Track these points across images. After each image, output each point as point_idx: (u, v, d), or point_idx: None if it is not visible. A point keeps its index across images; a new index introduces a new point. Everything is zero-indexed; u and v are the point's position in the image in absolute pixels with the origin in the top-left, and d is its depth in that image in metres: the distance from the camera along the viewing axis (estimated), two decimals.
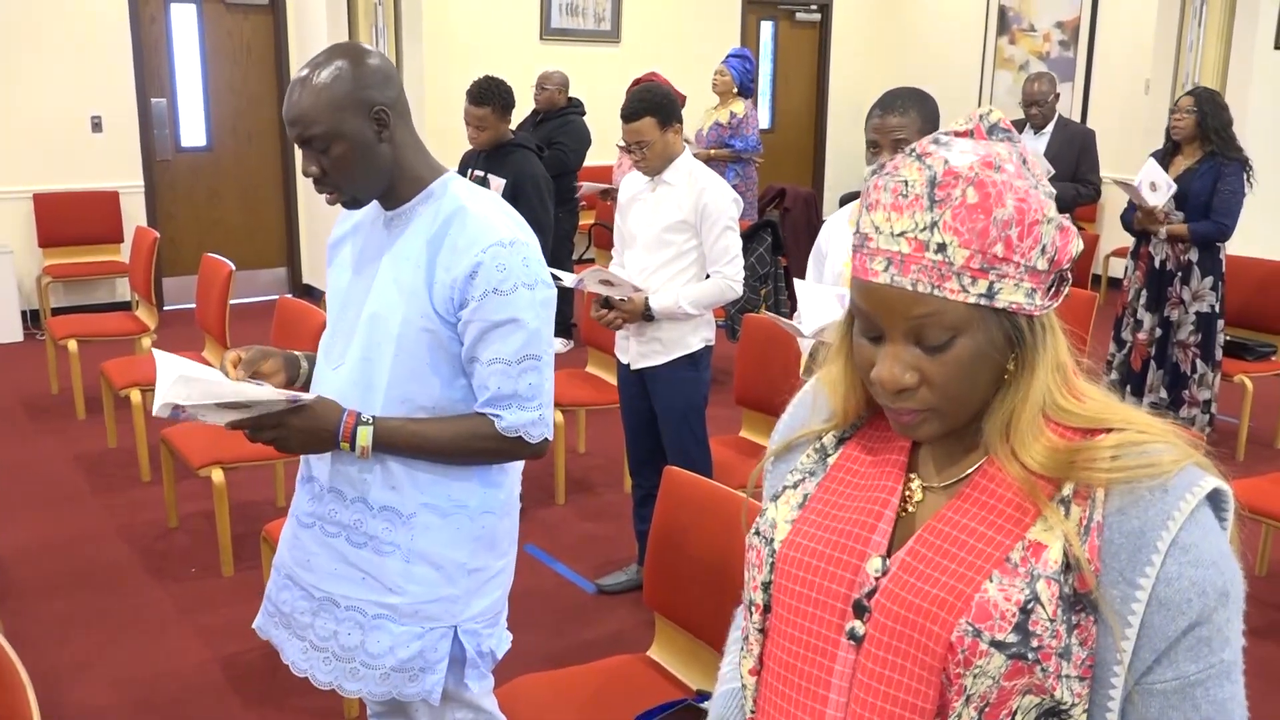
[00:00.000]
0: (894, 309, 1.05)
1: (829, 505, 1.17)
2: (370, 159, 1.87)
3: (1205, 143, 5.15)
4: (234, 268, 4.82)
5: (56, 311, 6.97)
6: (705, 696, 2.39)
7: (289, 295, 8.14)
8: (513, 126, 7.12)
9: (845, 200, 10.15)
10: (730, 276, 3.40)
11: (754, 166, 7.34)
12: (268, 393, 1.81)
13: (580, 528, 4.43)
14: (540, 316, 1.89)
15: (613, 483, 4.85)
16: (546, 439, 1.96)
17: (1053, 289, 1.06)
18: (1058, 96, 5.93)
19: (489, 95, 4.38)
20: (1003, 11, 9.63)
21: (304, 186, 8.06)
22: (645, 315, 3.40)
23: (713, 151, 6.97)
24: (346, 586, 1.97)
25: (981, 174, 1.02)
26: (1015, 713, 1.02)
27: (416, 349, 1.89)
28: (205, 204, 7.85)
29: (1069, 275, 1.08)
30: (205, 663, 3.36)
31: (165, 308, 7.41)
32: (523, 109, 6.95)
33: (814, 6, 10.35)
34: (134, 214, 7.43)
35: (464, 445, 1.91)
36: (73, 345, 5.37)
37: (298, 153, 7.97)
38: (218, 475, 3.81)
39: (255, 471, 4.41)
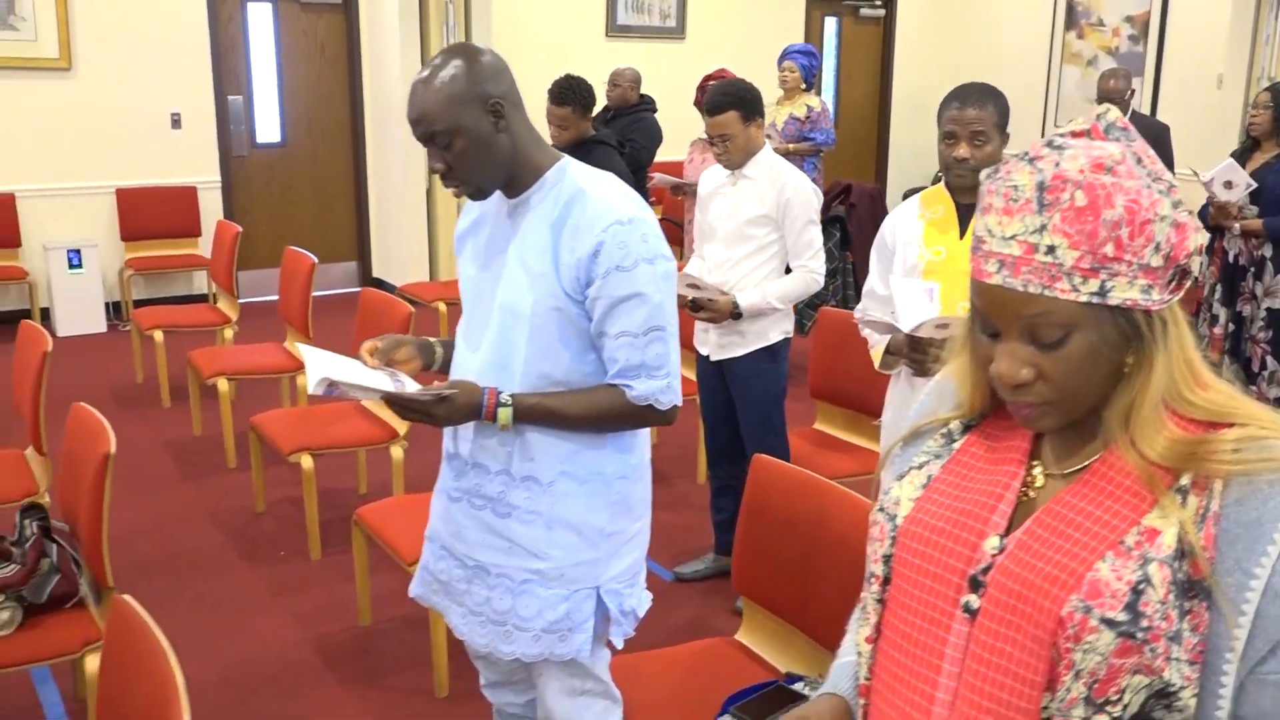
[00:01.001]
0: (1007, 308, 1.10)
1: (952, 486, 1.22)
2: (491, 150, 1.96)
3: None
4: (316, 261, 4.95)
5: (137, 304, 7.17)
6: (795, 679, 2.45)
7: (359, 288, 8.33)
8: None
9: (908, 195, 10.13)
10: (814, 269, 3.45)
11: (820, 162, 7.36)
12: (411, 389, 1.95)
13: (656, 517, 4.44)
14: (662, 289, 1.97)
15: (687, 474, 4.91)
16: (676, 405, 2.06)
17: (1172, 283, 1.09)
18: (1133, 93, 5.91)
19: (570, 95, 4.46)
20: (1070, 6, 9.55)
21: (374, 182, 8.21)
22: (734, 314, 3.45)
23: (792, 146, 7.00)
24: (495, 555, 2.09)
25: (1090, 177, 1.06)
26: (1124, 691, 1.05)
27: (548, 328, 1.98)
28: (279, 199, 8.02)
29: (1190, 268, 1.10)
30: (299, 643, 3.47)
31: (240, 300, 7.56)
32: (597, 103, 7.04)
33: (878, 2, 10.32)
34: (211, 209, 7.61)
35: (598, 415, 2.02)
36: (159, 336, 5.54)
37: (369, 149, 8.16)
38: (307, 461, 3.93)
39: (339, 459, 4.53)
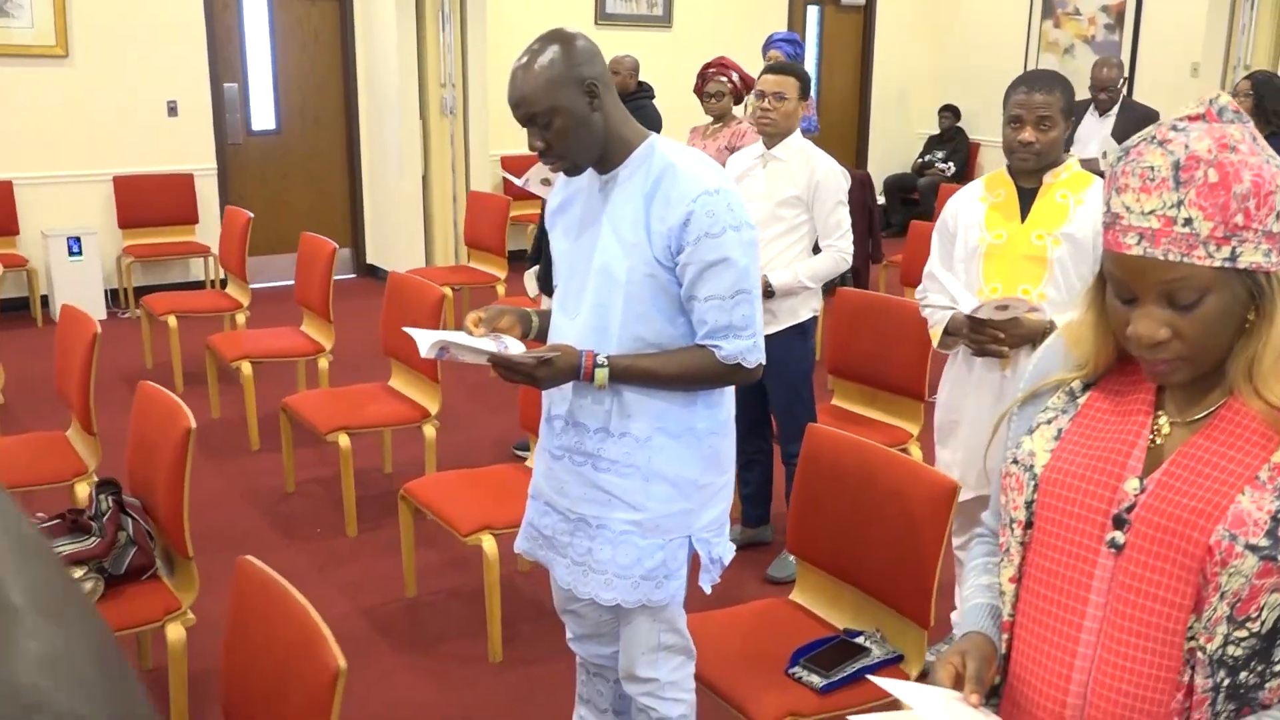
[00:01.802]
0: (1147, 275, 1.25)
1: (1084, 437, 1.37)
2: (587, 129, 2.10)
3: (1264, 125, 5.32)
4: (336, 246, 5.04)
5: (137, 291, 7.20)
6: (855, 634, 2.60)
7: (353, 275, 8.40)
8: None
9: (890, 183, 10.31)
10: (843, 249, 3.61)
11: None
12: (518, 352, 2.08)
13: None
14: (747, 254, 2.12)
15: None
16: (761, 363, 2.20)
17: None
18: (1125, 81, 6.10)
19: None
20: None
21: (369, 169, 8.27)
22: (767, 293, 3.60)
23: None
24: (596, 508, 2.22)
25: (1220, 156, 1.21)
26: (1263, 608, 1.22)
27: (642, 294, 2.12)
28: (274, 186, 8.07)
29: None
30: (349, 614, 3.58)
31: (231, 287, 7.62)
32: None
33: None
34: (207, 195, 7.65)
35: (689, 374, 2.16)
36: (172, 321, 5.60)
37: (363, 136, 8.21)
38: (344, 440, 4.03)
39: (359, 440, 4.63)
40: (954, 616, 3.37)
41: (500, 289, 6.52)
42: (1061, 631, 1.34)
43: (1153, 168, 1.24)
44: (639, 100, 6.75)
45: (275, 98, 7.96)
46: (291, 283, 7.80)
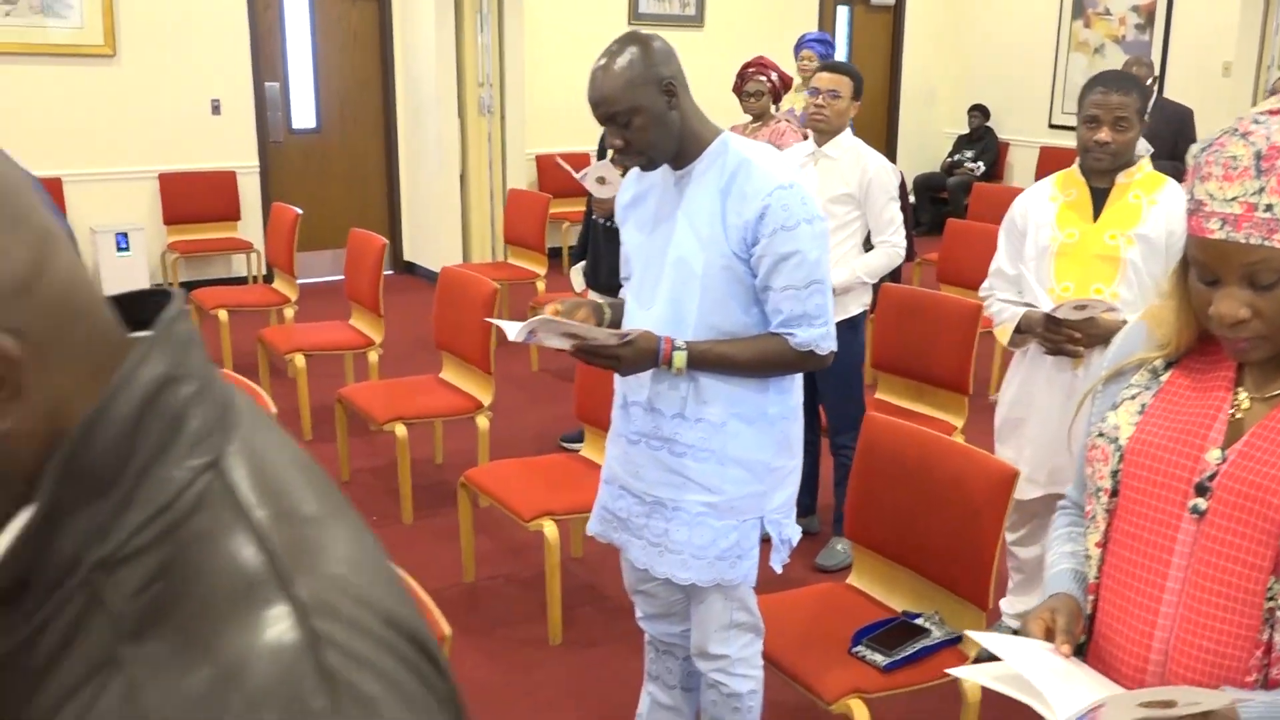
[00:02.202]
0: (1230, 258, 1.34)
1: (1167, 411, 1.47)
2: (664, 127, 2.19)
3: None
4: (386, 242, 5.15)
5: (181, 286, 7.33)
6: (914, 615, 2.69)
7: (390, 271, 8.52)
8: None
9: (919, 182, 10.37)
10: (895, 244, 3.70)
11: None
12: (604, 332, 2.16)
13: None
14: (819, 246, 2.21)
15: None
16: (832, 351, 2.29)
17: None
18: (1155, 79, 6.16)
19: None
20: None
21: (406, 167, 8.39)
22: None
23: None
24: (672, 490, 2.32)
25: None
26: None
27: (718, 285, 2.22)
28: (314, 184, 8.20)
29: None
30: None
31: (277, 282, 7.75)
32: None
33: None
34: (250, 193, 7.78)
35: (764, 360, 2.25)
36: (223, 315, 5.73)
37: (400, 134, 8.32)
38: (401, 430, 4.14)
39: (413, 430, 4.74)
40: (1003, 604, 3.45)
41: (540, 285, 6.62)
42: (1145, 592, 1.43)
43: (1235, 157, 1.34)
44: None
45: (315, 97, 8.09)
46: (330, 278, 8.00)
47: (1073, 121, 10.25)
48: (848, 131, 3.76)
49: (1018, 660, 1.39)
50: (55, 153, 7.14)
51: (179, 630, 0.62)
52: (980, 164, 10.11)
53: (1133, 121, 2.83)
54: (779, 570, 2.46)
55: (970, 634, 1.53)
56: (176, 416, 0.67)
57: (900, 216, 3.71)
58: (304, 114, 8.08)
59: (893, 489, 2.78)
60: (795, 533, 2.44)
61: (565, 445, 4.89)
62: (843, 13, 10.40)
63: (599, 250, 4.62)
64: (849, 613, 2.78)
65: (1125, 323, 2.81)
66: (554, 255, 8.15)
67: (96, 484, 0.64)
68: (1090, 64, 9.68)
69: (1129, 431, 1.48)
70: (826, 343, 2.27)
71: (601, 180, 4.44)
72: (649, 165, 2.27)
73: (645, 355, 2.21)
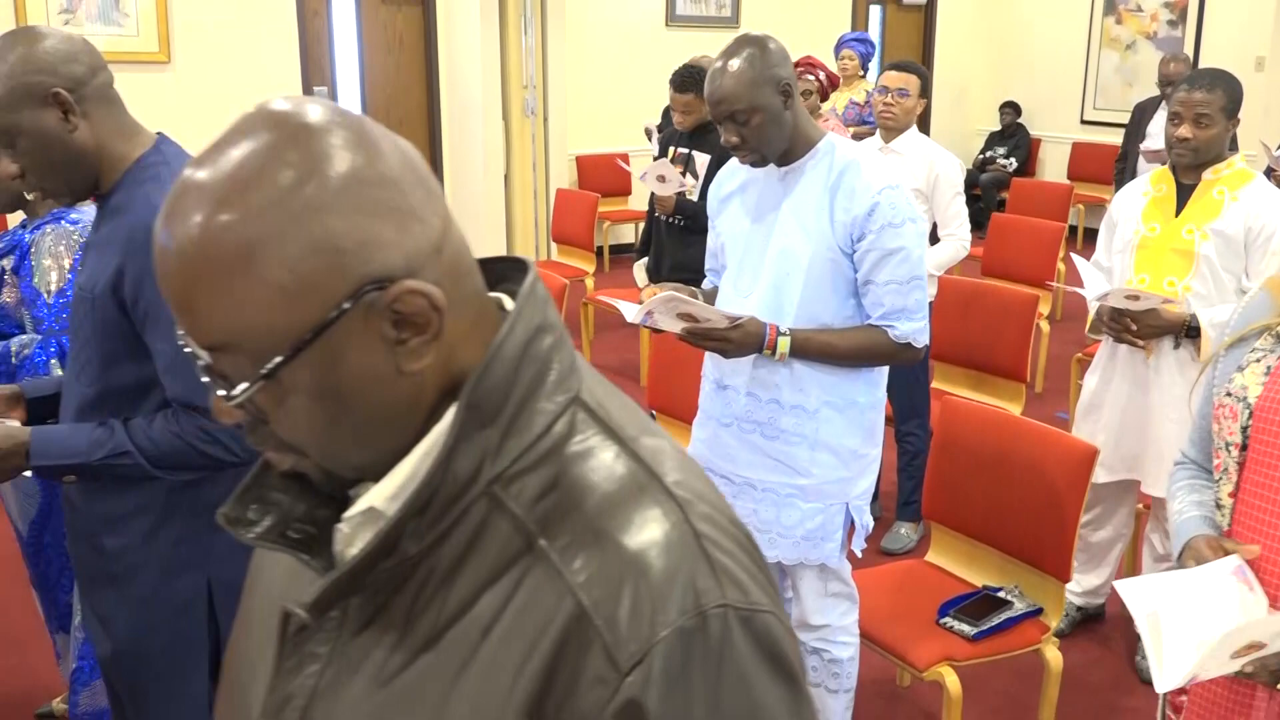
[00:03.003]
0: None
1: None
2: (779, 125, 2.32)
3: None
4: None
5: None
6: (995, 589, 2.82)
7: None
8: (659, 111, 7.52)
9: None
10: (961, 237, 3.83)
11: None
12: (719, 314, 2.29)
13: None
14: (920, 244, 2.35)
15: None
16: (927, 345, 2.42)
17: None
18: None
19: (690, 82, 4.78)
20: None
21: (450, 168, 8.54)
22: None
23: (852, 129, 7.33)
24: (762, 472, 2.44)
25: None
26: None
27: (821, 276, 2.34)
28: None
29: None
30: None
31: None
32: (654, 91, 7.37)
33: None
34: None
35: (863, 351, 2.38)
36: None
37: (444, 136, 8.48)
38: None
39: None
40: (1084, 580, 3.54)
41: (589, 282, 6.76)
42: (1277, 538, 1.56)
43: None
44: None
45: (362, 100, 8.24)
46: None
47: (1104, 118, 10.34)
48: (914, 128, 3.89)
49: (1164, 603, 1.52)
50: None
51: (584, 528, 0.76)
52: (1013, 160, 10.20)
53: (1215, 118, 2.90)
54: (859, 555, 2.58)
55: (1119, 584, 1.64)
56: (544, 361, 0.82)
57: (965, 210, 3.84)
58: None
59: (971, 468, 2.90)
60: (870, 520, 2.57)
61: None
62: (875, 12, 10.51)
63: (662, 246, 4.76)
64: (931, 588, 2.90)
65: (1191, 317, 2.93)
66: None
67: (487, 415, 0.78)
68: (1122, 60, 9.78)
69: (1257, 390, 1.62)
70: (923, 336, 2.39)
71: (662, 179, 4.57)
72: (760, 162, 2.39)
73: (753, 339, 2.32)
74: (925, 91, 3.84)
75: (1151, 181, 3.15)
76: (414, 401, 0.79)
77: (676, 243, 4.66)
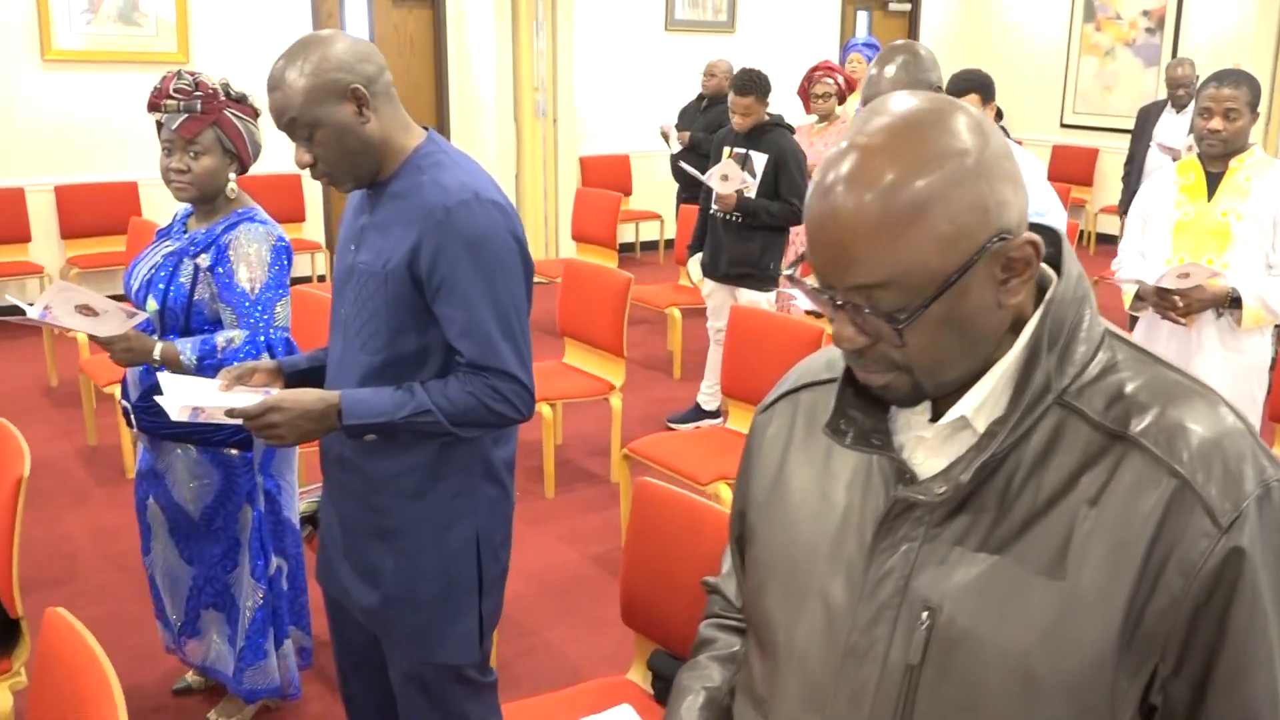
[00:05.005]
0: None
1: None
2: None
3: None
4: None
5: None
6: None
7: None
8: (677, 111, 7.73)
9: None
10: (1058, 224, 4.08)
11: None
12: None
13: None
14: None
15: None
16: None
17: None
18: (1199, 79, 6.59)
19: (751, 85, 5.00)
20: (1089, 0, 10.28)
21: None
22: None
23: None
24: None
25: None
26: None
27: None
28: None
29: None
30: (576, 559, 4.01)
31: None
32: (654, 93, 7.61)
33: None
34: (313, 196, 8.04)
35: None
36: None
37: (454, 138, 8.61)
38: (546, 410, 4.46)
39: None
40: None
41: None
42: None
43: None
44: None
45: None
46: None
47: (1083, 122, 10.65)
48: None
49: None
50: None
51: (1168, 423, 0.99)
52: None
53: (1242, 112, 3.24)
54: None
55: None
56: (1083, 303, 1.05)
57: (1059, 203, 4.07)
58: None
59: None
60: None
61: (672, 426, 5.22)
62: (862, 17, 10.81)
63: (719, 242, 4.97)
64: None
65: (1233, 289, 3.22)
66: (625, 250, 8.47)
67: (1050, 343, 1.02)
68: (1101, 66, 10.14)
69: None
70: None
71: (725, 178, 4.79)
72: None
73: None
74: (989, 96, 4.04)
75: (1179, 172, 3.46)
76: (999, 330, 1.02)
77: (735, 238, 4.88)
